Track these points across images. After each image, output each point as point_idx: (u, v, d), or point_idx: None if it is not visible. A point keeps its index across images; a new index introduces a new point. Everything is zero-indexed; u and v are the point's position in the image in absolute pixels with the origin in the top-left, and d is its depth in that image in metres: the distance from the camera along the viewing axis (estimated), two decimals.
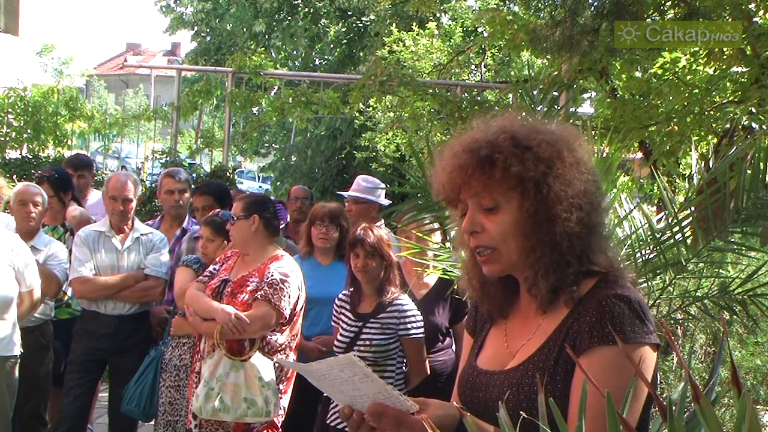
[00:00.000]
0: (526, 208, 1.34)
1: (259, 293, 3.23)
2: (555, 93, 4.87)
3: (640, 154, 6.44)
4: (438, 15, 13.83)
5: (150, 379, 3.69)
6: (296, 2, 18.01)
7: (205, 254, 3.78)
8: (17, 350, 3.55)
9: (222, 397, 3.11)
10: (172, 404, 3.61)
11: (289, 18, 18.08)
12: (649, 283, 2.94)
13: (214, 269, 3.46)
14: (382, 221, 4.59)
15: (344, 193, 4.83)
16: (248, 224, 3.36)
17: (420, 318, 3.32)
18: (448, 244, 3.48)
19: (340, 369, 1.33)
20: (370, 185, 4.65)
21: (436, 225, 3.49)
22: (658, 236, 2.88)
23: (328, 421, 3.35)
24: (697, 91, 5.45)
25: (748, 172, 2.80)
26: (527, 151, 1.34)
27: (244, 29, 18.41)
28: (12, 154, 8.26)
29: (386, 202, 4.76)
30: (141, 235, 4.09)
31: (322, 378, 1.41)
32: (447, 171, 1.40)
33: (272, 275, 3.27)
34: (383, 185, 4.81)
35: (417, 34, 12.13)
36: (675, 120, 5.24)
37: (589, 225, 1.36)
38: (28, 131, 8.32)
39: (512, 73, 11.26)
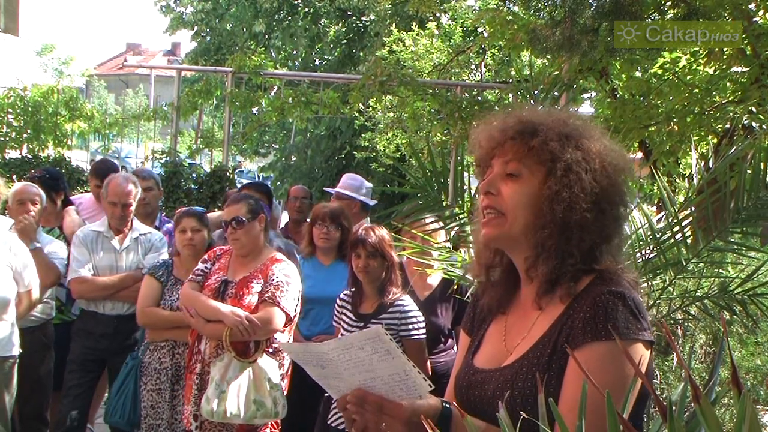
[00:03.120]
0: (549, 185, 1.35)
1: (266, 295, 3.23)
2: (555, 93, 4.87)
3: (640, 154, 6.44)
4: (438, 15, 13.82)
5: (131, 388, 3.65)
6: (296, 2, 18.02)
7: (193, 245, 3.72)
8: (16, 350, 3.55)
9: (233, 400, 3.11)
10: (154, 408, 3.59)
11: (289, 18, 18.09)
12: (649, 283, 2.94)
13: (206, 268, 3.42)
14: (368, 219, 4.62)
15: (331, 190, 4.87)
16: (256, 225, 3.35)
17: (421, 319, 3.32)
18: (449, 244, 3.48)
19: (360, 346, 1.33)
20: (355, 183, 4.68)
21: (439, 224, 3.49)
22: (658, 236, 2.88)
23: (329, 421, 3.34)
24: (697, 91, 5.45)
25: (748, 172, 2.80)
26: (570, 139, 1.38)
27: (244, 29, 18.41)
28: (12, 154, 8.25)
29: (372, 201, 4.79)
30: (139, 235, 4.09)
31: (329, 363, 1.39)
32: (489, 130, 1.44)
33: (277, 277, 3.27)
34: (370, 185, 4.84)
35: (417, 34, 12.13)
36: (675, 120, 5.24)
37: (603, 230, 1.37)
38: (28, 131, 8.30)
39: (512, 73, 11.25)
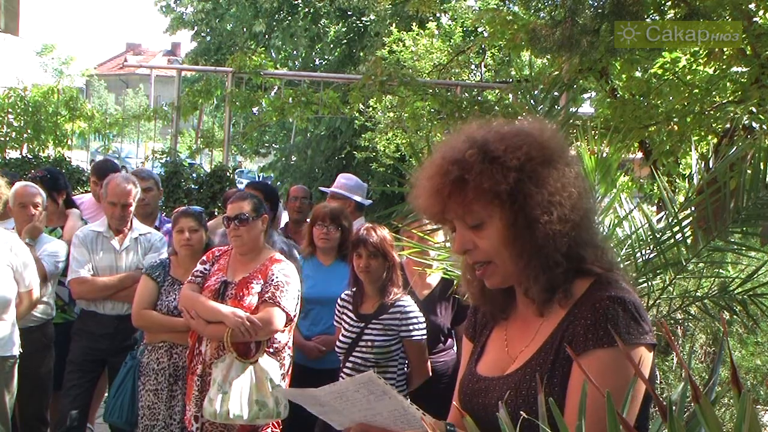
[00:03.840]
0: (507, 217, 1.34)
1: (266, 295, 3.23)
2: (555, 93, 4.87)
3: (640, 154, 6.45)
4: (438, 15, 13.83)
5: (129, 388, 3.64)
6: (296, 2, 18.02)
7: (190, 245, 3.69)
8: (16, 350, 3.55)
9: (236, 401, 3.11)
10: (150, 408, 3.58)
11: (289, 18, 18.10)
12: (649, 283, 2.94)
13: (205, 269, 3.41)
14: (363, 218, 4.62)
15: (326, 189, 4.89)
16: (259, 224, 3.35)
17: (422, 319, 3.32)
18: (448, 244, 3.48)
19: (355, 389, 1.34)
20: (350, 183, 4.69)
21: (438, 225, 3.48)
22: (658, 236, 2.88)
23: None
24: (697, 91, 5.46)
25: (748, 172, 2.81)
26: (495, 163, 1.34)
27: (244, 29, 18.44)
28: (12, 154, 8.26)
29: (367, 201, 4.79)
30: (139, 235, 4.08)
31: (326, 403, 1.40)
32: (425, 196, 1.41)
33: (276, 277, 3.27)
34: (365, 185, 4.85)
35: (417, 34, 12.14)
36: (675, 120, 5.25)
37: (572, 219, 1.35)
38: (28, 131, 8.31)
39: (512, 73, 11.26)
